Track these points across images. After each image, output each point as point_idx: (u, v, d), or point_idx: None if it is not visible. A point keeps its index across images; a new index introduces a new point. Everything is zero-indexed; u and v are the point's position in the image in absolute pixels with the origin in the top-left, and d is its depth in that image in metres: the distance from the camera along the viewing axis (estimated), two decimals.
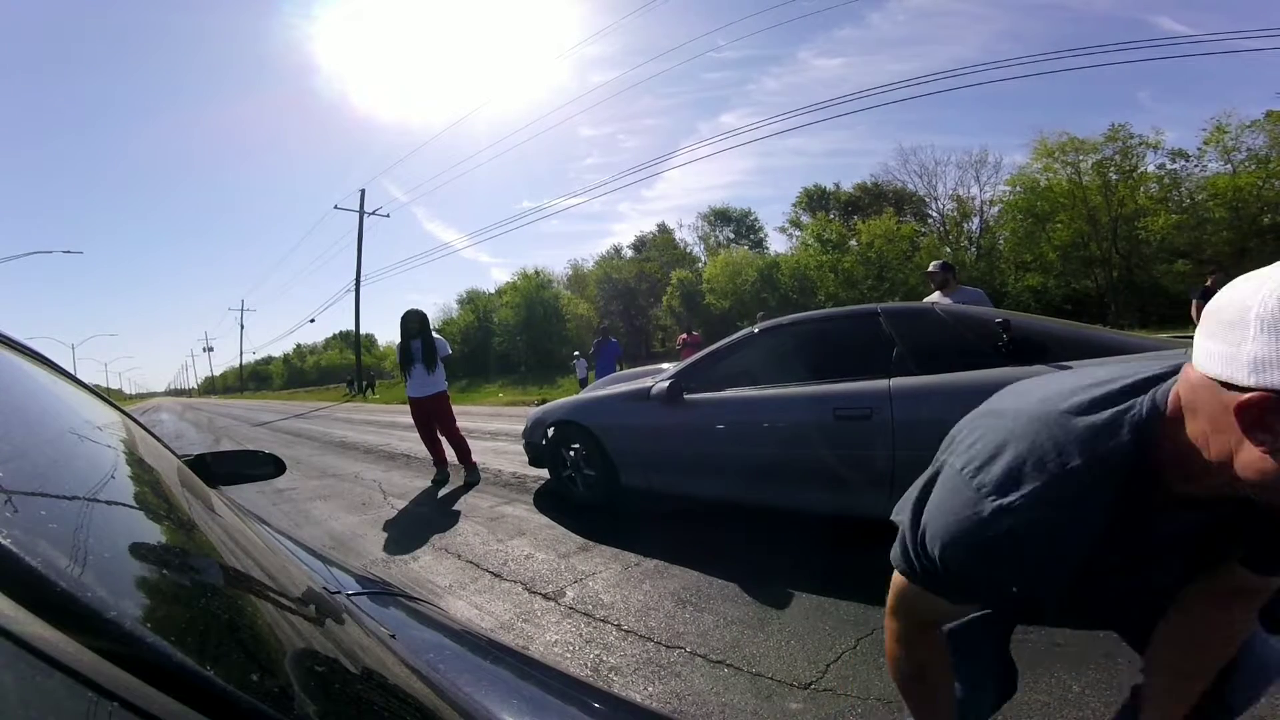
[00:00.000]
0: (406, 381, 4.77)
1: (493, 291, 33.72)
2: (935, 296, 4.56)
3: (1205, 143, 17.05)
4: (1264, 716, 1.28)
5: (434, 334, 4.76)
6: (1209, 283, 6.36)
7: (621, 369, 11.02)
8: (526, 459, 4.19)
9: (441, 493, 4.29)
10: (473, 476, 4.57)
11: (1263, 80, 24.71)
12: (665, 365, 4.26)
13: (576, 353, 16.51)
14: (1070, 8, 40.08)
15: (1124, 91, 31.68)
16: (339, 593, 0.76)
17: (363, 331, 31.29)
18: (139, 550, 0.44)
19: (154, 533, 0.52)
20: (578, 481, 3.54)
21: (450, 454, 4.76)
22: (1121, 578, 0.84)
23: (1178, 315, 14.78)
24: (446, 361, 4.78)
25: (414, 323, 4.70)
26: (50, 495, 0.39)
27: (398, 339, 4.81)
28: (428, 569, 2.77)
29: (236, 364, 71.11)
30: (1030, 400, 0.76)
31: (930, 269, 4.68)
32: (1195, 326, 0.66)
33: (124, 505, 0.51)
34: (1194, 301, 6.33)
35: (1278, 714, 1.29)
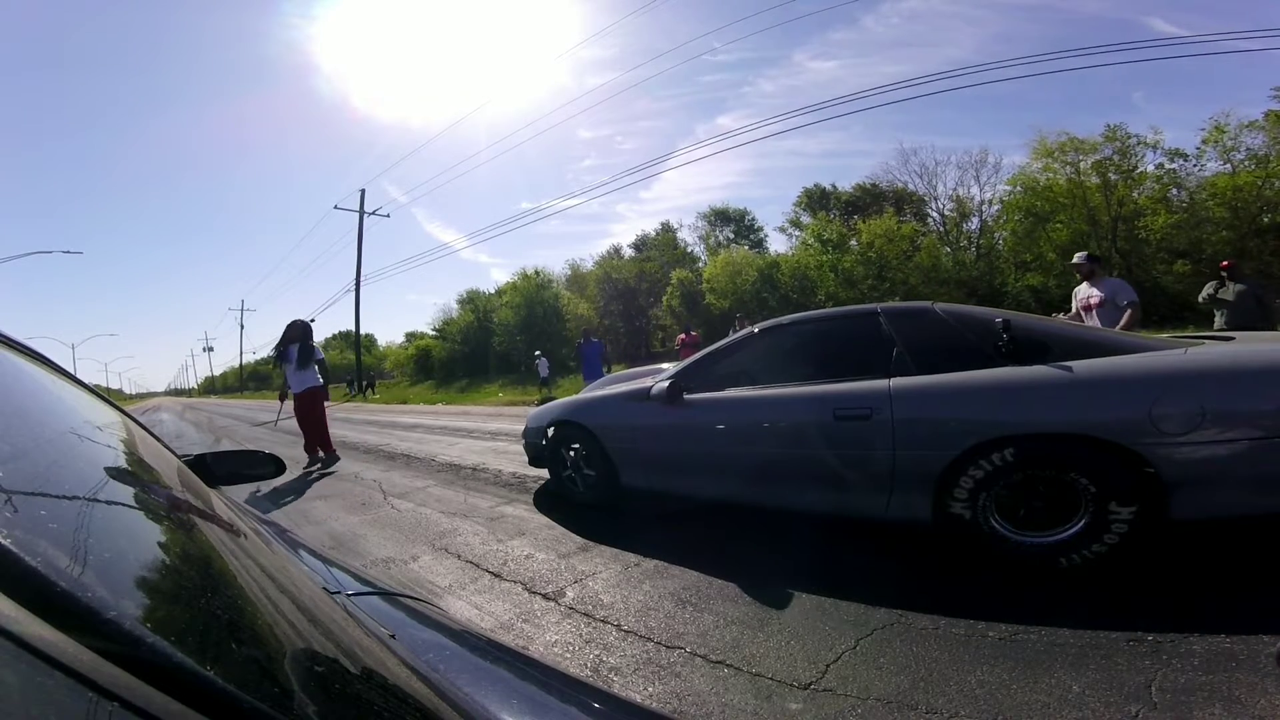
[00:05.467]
0: (287, 381, 5.77)
1: (493, 291, 33.69)
2: (1083, 288, 4.75)
3: (1204, 142, 17.05)
4: (1264, 716, 1.28)
5: (312, 344, 5.80)
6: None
7: (608, 367, 11.11)
8: (526, 459, 4.19)
9: (437, 492, 4.29)
10: (330, 461, 5.69)
11: (1258, 80, 24.74)
12: (665, 365, 4.26)
13: (538, 351, 16.66)
14: (1061, 9, 40.18)
15: (1119, 92, 31.82)
16: (339, 593, 0.76)
17: (363, 331, 31.28)
18: (139, 550, 0.44)
19: (154, 533, 0.52)
20: (578, 481, 3.54)
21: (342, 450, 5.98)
22: None
23: (1178, 315, 14.77)
24: (321, 366, 5.83)
25: (295, 330, 5.71)
26: (50, 495, 0.39)
27: (313, 344, 5.85)
28: (428, 569, 2.77)
29: (236, 364, 71.12)
30: None
31: (1075, 260, 4.86)
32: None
33: (124, 505, 0.51)
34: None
35: (1278, 714, 1.29)
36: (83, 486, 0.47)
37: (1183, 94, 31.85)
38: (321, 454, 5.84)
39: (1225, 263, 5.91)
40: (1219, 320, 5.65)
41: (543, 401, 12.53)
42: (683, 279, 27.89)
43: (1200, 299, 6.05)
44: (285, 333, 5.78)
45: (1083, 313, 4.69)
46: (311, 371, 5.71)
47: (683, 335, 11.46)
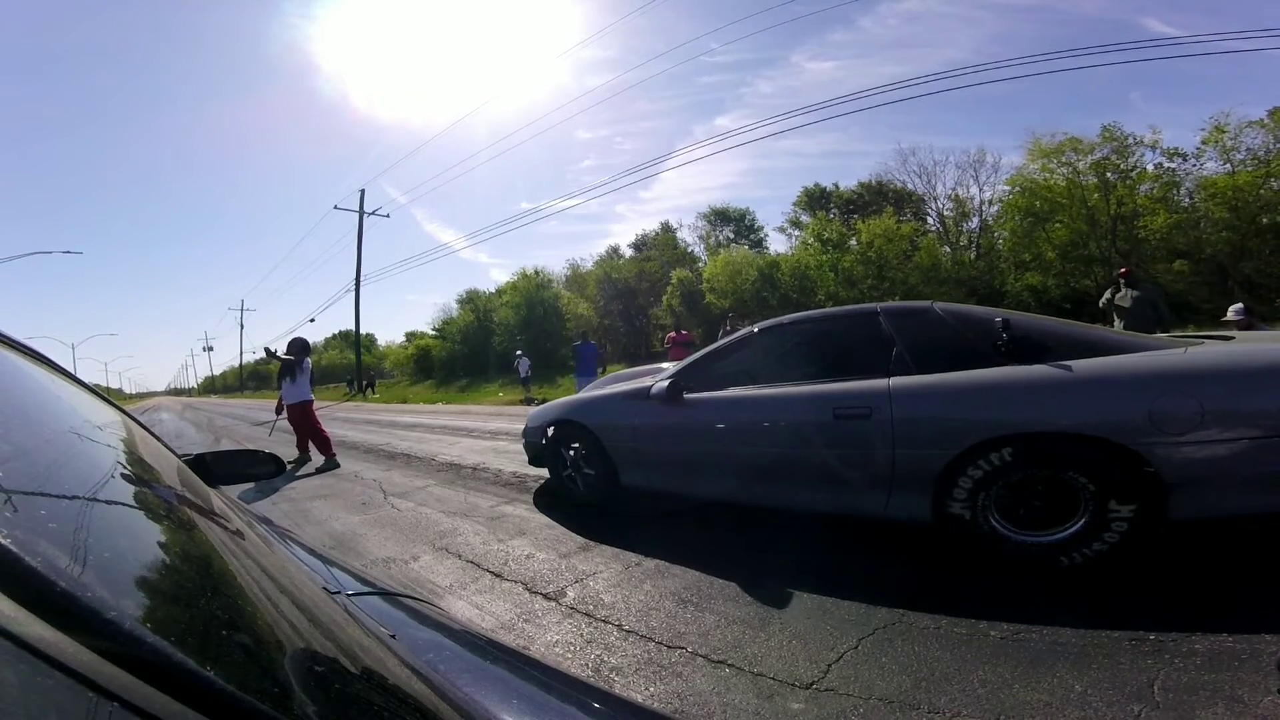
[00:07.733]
0: (283, 391, 6.32)
1: (492, 291, 33.65)
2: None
3: (1204, 142, 17.01)
4: (1267, 715, 1.28)
5: (306, 358, 6.32)
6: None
7: (602, 369, 11.13)
8: (526, 458, 4.19)
9: (437, 491, 4.29)
10: (330, 464, 5.88)
11: (1256, 81, 24.74)
12: (665, 365, 4.26)
13: (519, 351, 16.52)
14: (1058, 10, 40.19)
15: (1117, 93, 31.75)
16: (339, 593, 0.76)
17: (363, 331, 31.26)
18: (139, 550, 0.44)
19: (154, 533, 0.52)
20: (578, 481, 3.54)
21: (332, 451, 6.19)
22: None
23: (1178, 315, 14.76)
24: (311, 376, 6.38)
25: (294, 348, 6.24)
26: (50, 495, 0.39)
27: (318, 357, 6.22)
28: (428, 569, 2.77)
29: (236, 363, 71.19)
30: None
31: (1231, 316, 5.17)
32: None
33: (124, 505, 0.50)
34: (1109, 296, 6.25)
35: (1278, 713, 1.29)
36: (83, 486, 0.47)
37: (1181, 94, 31.85)
38: (322, 456, 6.10)
39: (1123, 269, 6.16)
40: (1115, 325, 5.90)
41: (526, 401, 12.51)
42: (683, 279, 27.85)
43: (1100, 304, 6.37)
44: (288, 351, 6.25)
45: None
46: (304, 385, 6.16)
47: (672, 334, 11.24)
